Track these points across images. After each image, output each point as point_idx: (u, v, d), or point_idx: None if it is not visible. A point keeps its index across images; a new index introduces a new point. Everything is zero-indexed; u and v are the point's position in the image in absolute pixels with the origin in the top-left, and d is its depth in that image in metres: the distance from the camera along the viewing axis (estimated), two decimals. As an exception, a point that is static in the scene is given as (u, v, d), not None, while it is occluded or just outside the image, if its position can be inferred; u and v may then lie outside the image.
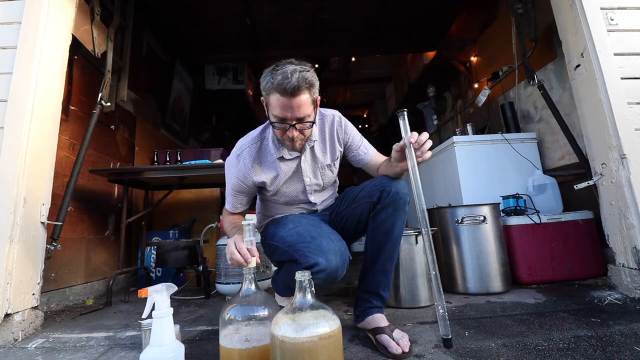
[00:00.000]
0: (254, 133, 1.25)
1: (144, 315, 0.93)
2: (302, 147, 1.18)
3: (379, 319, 1.12)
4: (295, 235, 1.13)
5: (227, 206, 1.29)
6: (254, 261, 0.94)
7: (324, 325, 0.74)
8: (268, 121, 1.16)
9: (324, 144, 1.26)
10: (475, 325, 1.22)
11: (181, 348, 0.89)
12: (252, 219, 0.99)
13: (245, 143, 1.22)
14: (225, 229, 1.24)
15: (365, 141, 1.34)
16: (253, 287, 0.90)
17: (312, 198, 1.32)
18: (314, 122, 1.11)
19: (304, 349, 0.71)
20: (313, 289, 0.79)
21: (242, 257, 0.95)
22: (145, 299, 0.89)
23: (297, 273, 0.80)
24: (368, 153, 1.31)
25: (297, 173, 1.26)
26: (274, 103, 1.03)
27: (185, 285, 2.28)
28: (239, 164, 1.20)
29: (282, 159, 1.21)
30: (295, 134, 1.07)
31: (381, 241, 1.15)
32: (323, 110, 1.28)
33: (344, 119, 1.30)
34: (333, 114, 1.28)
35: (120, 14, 2.43)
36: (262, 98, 1.11)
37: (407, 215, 1.16)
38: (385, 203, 1.12)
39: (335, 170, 1.34)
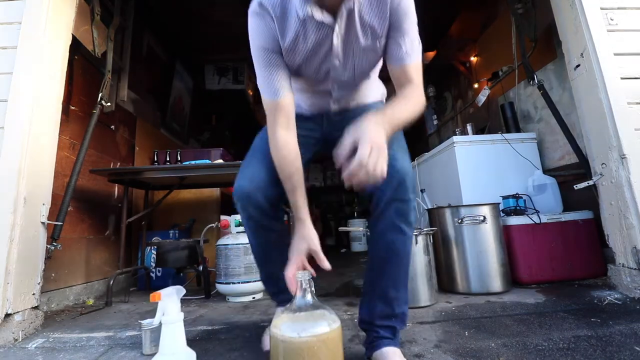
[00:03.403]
0: None
1: (155, 321, 0.91)
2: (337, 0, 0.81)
3: (389, 355, 0.86)
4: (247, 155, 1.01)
5: (265, 95, 0.93)
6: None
7: (324, 325, 0.74)
8: None
9: (369, 11, 0.87)
10: (475, 325, 1.22)
11: (193, 356, 0.87)
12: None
13: None
14: (275, 161, 0.93)
15: (416, 36, 0.91)
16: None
17: (335, 92, 1.01)
18: None
19: (303, 349, 0.71)
20: (313, 288, 0.79)
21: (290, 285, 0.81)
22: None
23: (297, 273, 0.80)
24: (408, 54, 0.89)
25: (325, 47, 0.90)
26: None
27: (185, 285, 2.28)
28: (262, 21, 0.88)
29: (310, 19, 0.84)
30: None
31: (381, 259, 0.90)
32: None
33: None
34: None
35: (120, 14, 2.43)
36: None
37: (413, 225, 0.90)
38: (382, 208, 0.87)
39: (377, 58, 0.96)
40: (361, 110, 1.04)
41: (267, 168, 0.94)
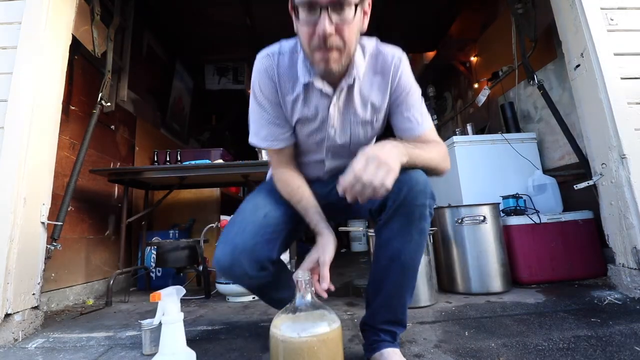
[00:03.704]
0: (290, 42, 0.92)
1: (155, 321, 0.92)
2: (340, 71, 0.83)
3: (390, 355, 0.88)
4: (235, 215, 0.93)
5: (262, 142, 0.95)
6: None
7: (324, 325, 0.74)
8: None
9: (370, 88, 0.92)
10: (475, 325, 1.22)
11: (193, 356, 0.87)
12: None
13: (277, 45, 0.92)
14: (282, 195, 0.96)
15: (423, 105, 0.95)
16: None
17: (328, 161, 1.02)
18: (358, 33, 0.81)
19: (303, 349, 0.71)
20: (313, 288, 0.79)
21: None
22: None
23: (296, 272, 0.80)
24: (419, 124, 0.92)
25: (322, 115, 0.92)
26: None
27: (185, 285, 2.28)
28: (266, 74, 0.90)
29: (309, 86, 0.88)
30: (329, 28, 0.72)
31: (385, 267, 0.87)
32: (382, 46, 0.93)
33: (405, 61, 0.93)
34: (393, 54, 0.92)
35: (120, 14, 2.43)
36: (289, 5, 0.81)
37: (425, 234, 0.85)
38: (389, 215, 0.83)
39: (374, 132, 0.98)
40: None
41: (252, 227, 0.90)
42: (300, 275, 0.78)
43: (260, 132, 0.96)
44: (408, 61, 0.95)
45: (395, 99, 0.93)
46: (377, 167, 0.69)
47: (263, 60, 0.91)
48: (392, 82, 0.91)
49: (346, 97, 0.91)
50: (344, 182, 0.71)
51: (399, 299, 0.89)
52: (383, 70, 0.91)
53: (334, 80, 0.87)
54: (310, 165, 1.05)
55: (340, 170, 0.99)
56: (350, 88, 0.89)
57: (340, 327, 0.78)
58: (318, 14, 0.73)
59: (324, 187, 1.04)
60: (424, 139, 0.92)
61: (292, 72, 0.89)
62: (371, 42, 0.92)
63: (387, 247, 0.86)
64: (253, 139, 0.98)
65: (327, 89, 0.88)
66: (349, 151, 0.98)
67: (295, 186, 0.96)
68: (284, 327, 0.74)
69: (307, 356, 0.71)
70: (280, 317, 0.77)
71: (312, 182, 1.02)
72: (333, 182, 0.98)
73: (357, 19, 0.76)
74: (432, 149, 0.89)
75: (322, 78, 0.86)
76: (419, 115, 0.93)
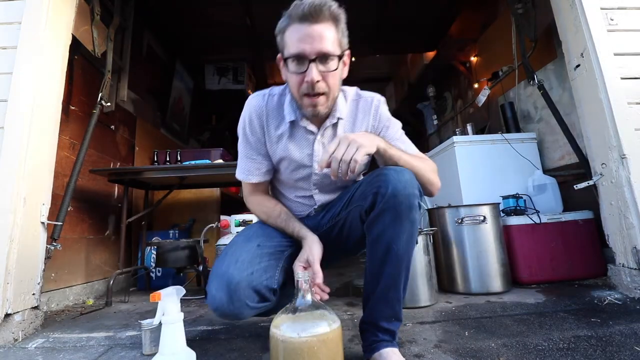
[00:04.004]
0: (280, 87, 1.03)
1: (155, 321, 0.92)
2: (325, 113, 0.94)
3: (389, 355, 0.89)
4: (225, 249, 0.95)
5: (239, 174, 1.06)
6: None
7: (324, 325, 0.74)
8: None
9: (353, 126, 1.02)
10: (475, 325, 1.22)
11: (193, 356, 0.87)
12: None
13: (267, 89, 1.04)
14: (256, 213, 1.04)
15: (405, 136, 1.05)
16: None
17: (316, 195, 1.07)
18: (340, 79, 0.92)
19: (303, 349, 0.71)
20: (313, 288, 0.79)
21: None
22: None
23: (297, 272, 0.80)
24: (404, 149, 1.00)
25: (307, 150, 1.00)
26: (291, 38, 0.85)
27: (185, 285, 2.28)
28: (255, 112, 1.01)
29: (295, 124, 0.98)
30: (316, 77, 0.84)
31: (380, 260, 0.89)
32: (363, 92, 1.06)
33: (383, 103, 1.04)
34: (372, 97, 1.04)
35: (120, 14, 2.43)
36: (278, 56, 0.93)
37: (416, 224, 0.88)
38: (379, 209, 0.85)
39: (361, 167, 1.05)
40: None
41: (247, 258, 0.91)
42: (301, 275, 0.78)
43: (240, 164, 1.06)
44: (386, 102, 1.07)
45: (380, 132, 1.03)
46: (347, 145, 0.79)
47: (254, 99, 1.02)
48: (374, 118, 1.03)
49: (331, 134, 1.00)
50: (321, 160, 0.80)
51: (395, 291, 0.90)
52: (365, 110, 1.03)
53: (319, 122, 0.98)
54: (300, 201, 1.11)
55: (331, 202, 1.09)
56: (335, 126, 1.00)
57: (341, 327, 0.78)
58: (306, 65, 0.84)
59: (314, 219, 1.10)
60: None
61: (280, 112, 1.00)
62: (352, 90, 1.05)
63: (381, 240, 0.87)
64: (236, 172, 1.09)
65: (312, 127, 0.98)
66: (335, 186, 1.07)
67: (271, 204, 1.06)
68: (284, 327, 0.74)
69: (307, 356, 0.71)
70: (280, 317, 0.77)
71: (302, 219, 1.08)
72: (322, 211, 1.10)
73: (339, 68, 0.89)
74: (418, 158, 0.96)
75: (308, 120, 0.97)
76: (401, 143, 1.02)
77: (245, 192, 1.10)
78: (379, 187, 0.84)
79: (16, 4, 1.55)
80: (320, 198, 1.08)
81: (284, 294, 1.00)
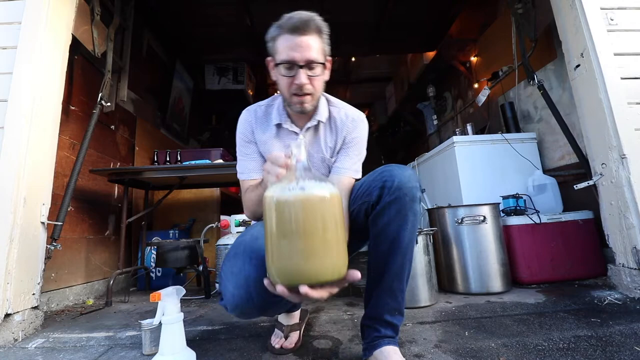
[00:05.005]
0: (266, 100, 1.17)
1: (155, 321, 0.92)
2: (311, 111, 1.06)
3: (390, 354, 0.91)
4: (233, 247, 0.94)
5: (240, 175, 1.13)
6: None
7: (324, 186, 0.66)
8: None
9: (330, 133, 1.11)
10: (475, 325, 1.22)
11: (193, 356, 0.87)
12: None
13: (256, 103, 1.17)
14: (250, 208, 1.07)
15: (357, 158, 1.11)
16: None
17: None
18: (324, 81, 1.03)
19: (297, 205, 0.64)
20: (308, 164, 0.70)
21: (278, 167, 0.78)
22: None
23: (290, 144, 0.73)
24: (342, 167, 1.08)
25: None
26: (282, 46, 0.96)
27: (185, 285, 2.28)
28: (245, 121, 1.14)
29: (279, 127, 1.09)
30: (305, 80, 0.96)
31: (385, 252, 0.92)
32: (347, 105, 1.15)
33: (363, 119, 1.13)
34: (354, 110, 1.14)
35: (120, 14, 2.43)
36: (267, 58, 1.02)
37: (418, 216, 0.93)
38: (385, 202, 0.90)
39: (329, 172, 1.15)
40: None
41: (260, 255, 0.88)
42: (294, 143, 0.70)
43: (240, 164, 1.14)
44: (365, 121, 1.14)
45: (344, 145, 1.11)
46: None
47: (244, 113, 1.16)
48: (347, 132, 1.11)
49: (312, 136, 1.11)
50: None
51: (399, 282, 0.94)
52: (342, 121, 1.12)
53: (301, 124, 1.10)
54: None
55: None
56: (316, 128, 1.10)
57: (340, 197, 0.70)
58: (296, 70, 0.96)
59: None
60: (340, 182, 1.05)
61: (267, 119, 1.13)
62: (337, 100, 1.15)
63: (386, 231, 0.92)
64: (238, 174, 1.16)
65: (295, 128, 1.10)
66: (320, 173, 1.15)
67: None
68: (279, 189, 0.66)
69: (301, 212, 0.63)
70: (275, 185, 0.68)
71: None
72: None
73: (323, 73, 1.02)
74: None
75: (292, 122, 1.09)
76: (347, 160, 1.09)
77: (244, 192, 1.14)
78: (385, 181, 0.91)
79: (16, 4, 1.55)
80: None
81: None
